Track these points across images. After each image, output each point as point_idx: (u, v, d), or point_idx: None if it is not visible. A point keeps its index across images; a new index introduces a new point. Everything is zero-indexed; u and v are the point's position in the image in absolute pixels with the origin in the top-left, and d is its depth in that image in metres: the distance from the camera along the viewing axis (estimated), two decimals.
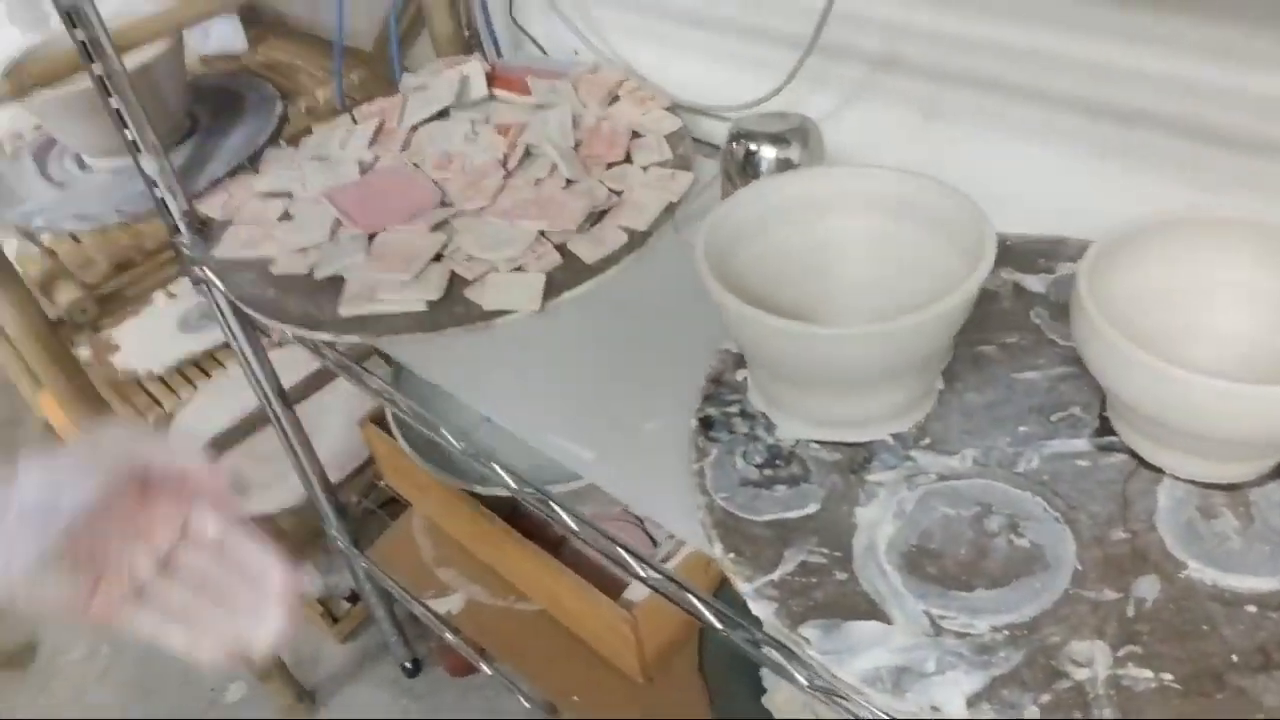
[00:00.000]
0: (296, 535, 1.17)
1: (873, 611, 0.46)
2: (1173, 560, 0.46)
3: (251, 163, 0.94)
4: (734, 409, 0.58)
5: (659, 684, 0.89)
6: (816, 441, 0.54)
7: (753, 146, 0.67)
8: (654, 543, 0.94)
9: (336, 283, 0.73)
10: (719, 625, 0.52)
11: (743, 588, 0.48)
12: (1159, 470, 0.50)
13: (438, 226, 0.75)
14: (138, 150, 0.79)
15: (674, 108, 0.87)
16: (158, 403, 1.33)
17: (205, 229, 0.84)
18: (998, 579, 0.47)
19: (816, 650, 0.45)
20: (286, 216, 0.82)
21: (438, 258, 0.73)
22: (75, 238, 0.94)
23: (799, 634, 0.46)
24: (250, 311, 0.74)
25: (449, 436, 0.65)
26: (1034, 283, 0.62)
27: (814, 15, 0.71)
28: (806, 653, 0.45)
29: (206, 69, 1.23)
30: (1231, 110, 0.60)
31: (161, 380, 1.36)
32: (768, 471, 0.54)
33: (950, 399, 0.56)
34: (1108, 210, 0.54)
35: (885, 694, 0.43)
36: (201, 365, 1.39)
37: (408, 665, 1.27)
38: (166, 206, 0.82)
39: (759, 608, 0.47)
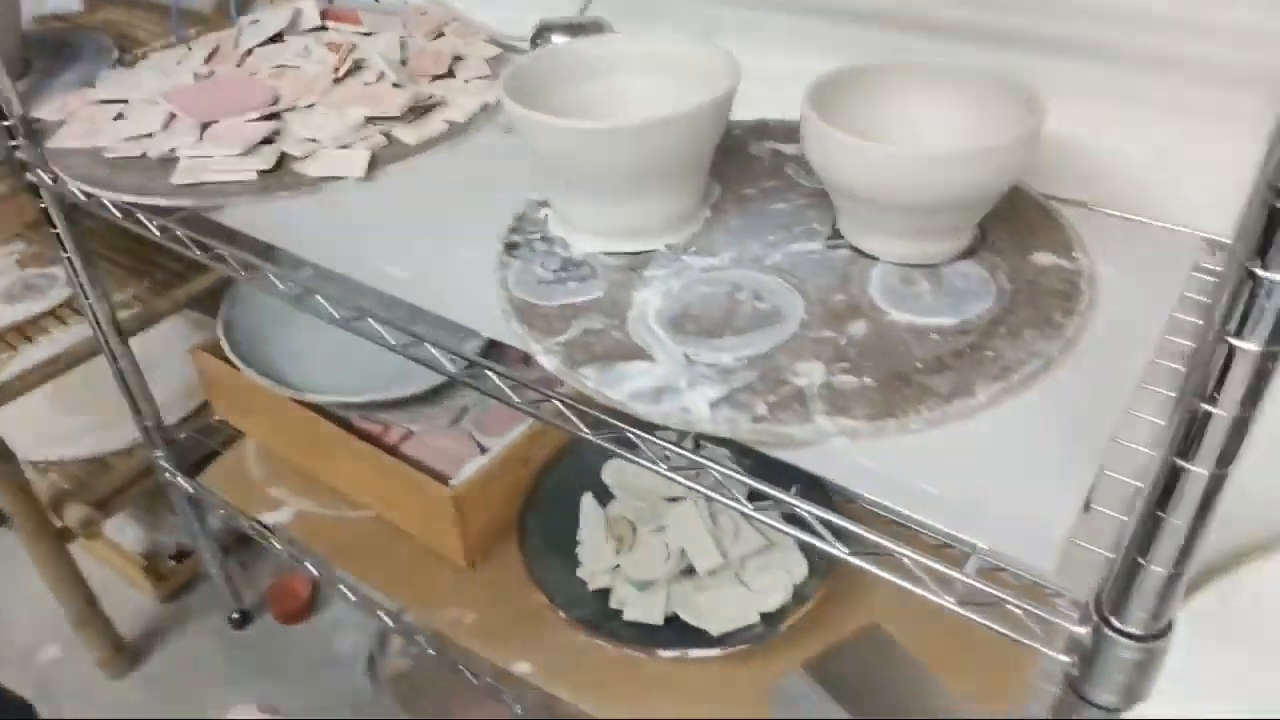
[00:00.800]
0: (125, 480, 1.16)
1: (640, 355, 0.55)
2: (878, 310, 0.57)
3: (90, 86, 0.97)
4: (535, 235, 0.66)
5: (482, 568, 0.95)
6: (605, 253, 0.64)
7: (555, 38, 0.77)
8: (481, 449, 1.01)
9: (169, 164, 0.78)
10: (584, 429, 0.57)
11: (533, 348, 0.56)
12: (873, 257, 0.62)
13: (269, 118, 0.82)
14: None
15: (494, 40, 0.97)
16: None
17: (39, 134, 0.86)
18: (742, 330, 0.57)
19: (594, 383, 0.53)
20: (120, 117, 0.86)
21: (269, 141, 0.79)
22: None
23: (579, 373, 0.54)
24: (82, 186, 0.77)
25: (281, 285, 0.70)
26: (790, 149, 0.74)
27: None
28: (584, 384, 0.53)
29: (40, 27, 1.24)
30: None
31: None
32: (561, 274, 0.62)
33: (716, 222, 0.66)
34: None
35: (646, 404, 0.52)
36: (24, 333, 1.37)
37: (235, 616, 1.27)
38: (0, 111, 0.85)
39: (548, 361, 0.55)
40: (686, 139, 0.59)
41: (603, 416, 0.55)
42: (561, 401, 0.57)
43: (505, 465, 0.94)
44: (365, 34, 0.96)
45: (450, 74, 0.90)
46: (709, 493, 0.53)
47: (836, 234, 0.64)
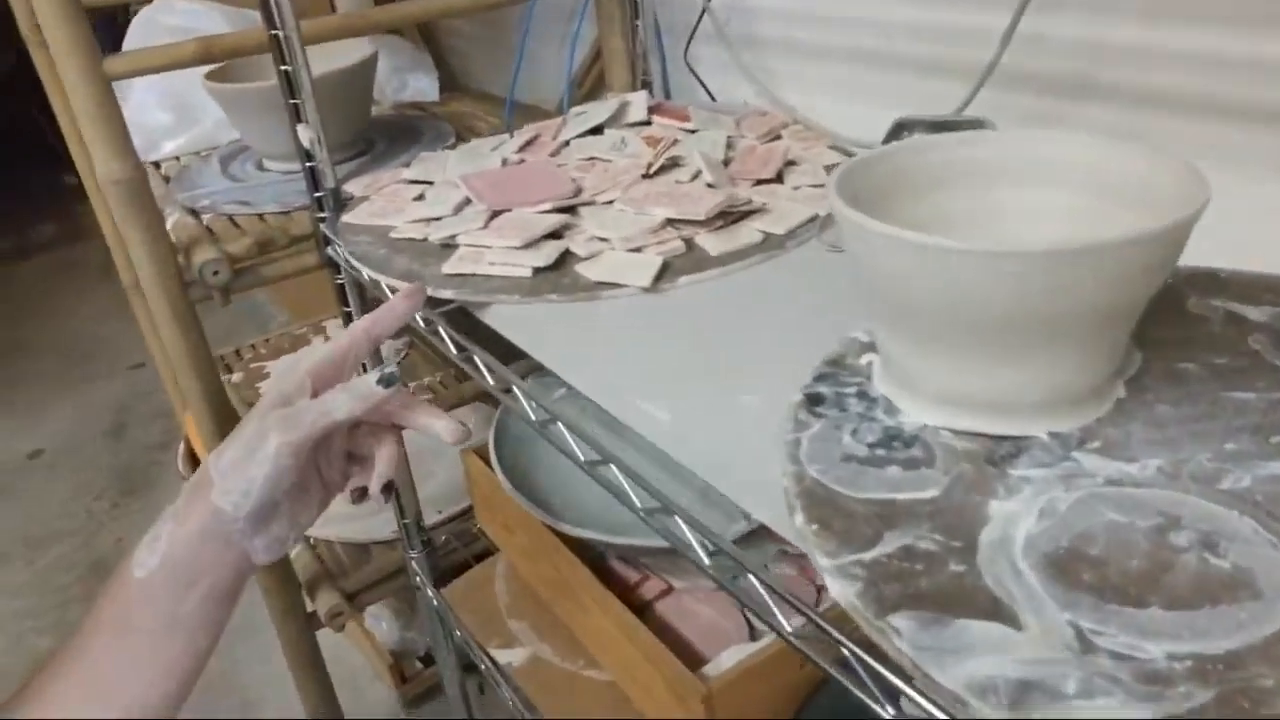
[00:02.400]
0: (381, 574, 1.10)
1: (996, 612, 0.34)
2: None
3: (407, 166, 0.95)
4: (850, 390, 0.48)
5: None
6: (950, 430, 0.43)
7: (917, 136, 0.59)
8: (750, 629, 0.82)
9: (448, 250, 0.69)
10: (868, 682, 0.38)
11: (821, 563, 0.37)
12: None
13: (563, 210, 0.71)
14: (298, 120, 0.80)
15: (839, 147, 0.81)
16: None
17: (344, 206, 0.83)
18: (1182, 600, 0.34)
19: (909, 644, 0.33)
20: (420, 198, 0.80)
21: (556, 236, 0.68)
22: (234, 221, 0.97)
23: (887, 623, 0.34)
24: (356, 264, 0.71)
25: (528, 406, 0.57)
26: (1255, 313, 0.50)
27: (995, 39, 0.65)
28: (895, 645, 0.33)
29: (395, 112, 1.28)
30: None
31: None
32: (880, 451, 0.43)
33: (1133, 409, 0.44)
34: None
35: (999, 710, 0.30)
36: None
37: None
38: (315, 181, 0.83)
39: (839, 588, 0.36)
40: (1114, 281, 0.38)
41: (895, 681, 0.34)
42: (848, 647, 0.37)
43: (777, 663, 0.74)
44: (691, 130, 0.84)
45: (779, 179, 0.75)
46: None
47: None
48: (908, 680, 0.35)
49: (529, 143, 0.87)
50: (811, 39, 0.87)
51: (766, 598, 0.41)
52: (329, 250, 0.84)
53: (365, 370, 0.54)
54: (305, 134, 0.81)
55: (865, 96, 0.83)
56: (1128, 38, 0.62)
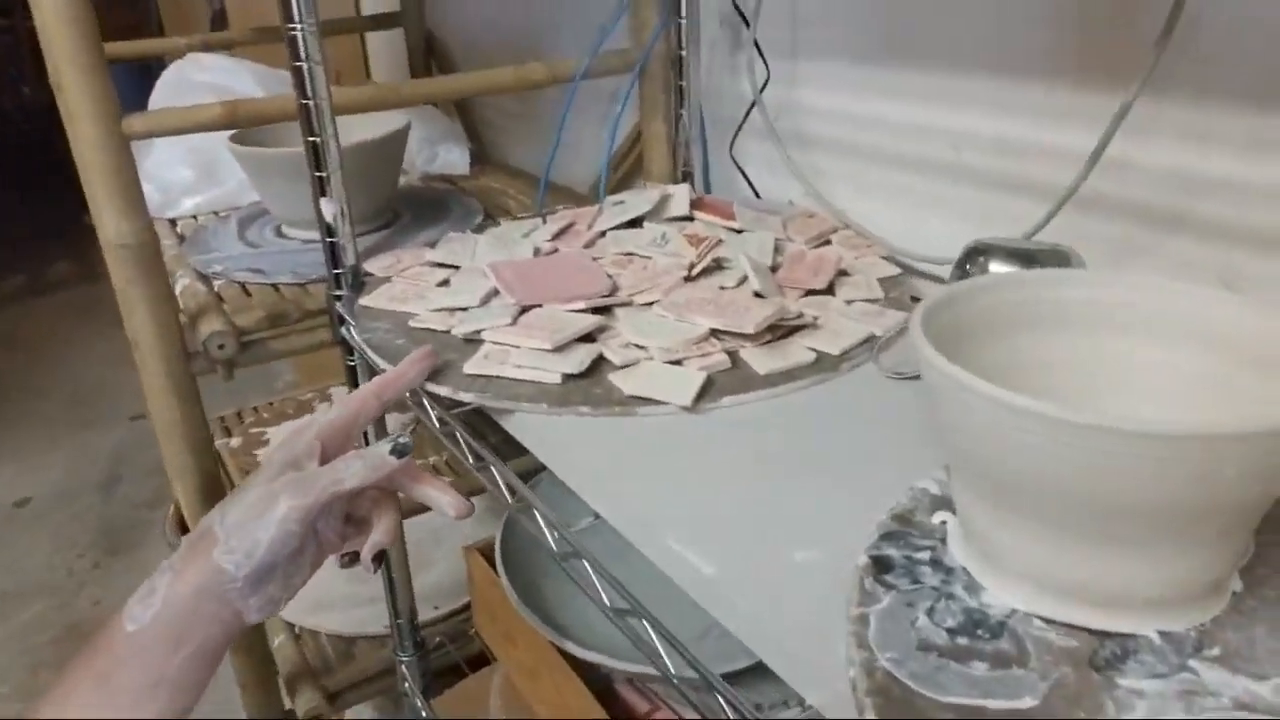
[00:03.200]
0: (366, 674, 1.03)
1: None
2: None
3: (432, 246, 0.91)
4: (923, 555, 0.42)
5: None
6: (1044, 619, 0.37)
7: (994, 265, 0.54)
8: None
9: (474, 346, 0.64)
10: None
11: None
12: None
13: (598, 310, 0.66)
14: (323, 193, 0.76)
15: (892, 258, 0.76)
16: None
17: (363, 285, 0.78)
18: None
19: None
20: (445, 284, 0.75)
21: (589, 339, 0.63)
22: (246, 290, 0.92)
23: None
24: (372, 356, 0.65)
25: (550, 534, 0.51)
26: None
27: (1079, 162, 0.60)
28: None
29: (423, 184, 1.25)
30: None
31: None
32: (962, 641, 0.37)
33: (1252, 606, 0.38)
34: None
35: None
36: None
37: None
38: (334, 257, 0.78)
39: None
40: (1255, 474, 0.32)
41: None
42: None
43: None
44: (737, 230, 0.79)
45: (830, 291, 0.70)
46: None
47: None
48: None
49: (563, 231, 0.83)
50: (867, 141, 0.83)
51: None
52: (343, 330, 0.79)
53: (366, 438, 0.55)
54: (329, 208, 0.77)
55: (921, 205, 0.79)
56: (1224, 169, 0.57)
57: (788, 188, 0.91)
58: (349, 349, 0.81)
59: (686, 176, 0.98)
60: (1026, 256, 0.54)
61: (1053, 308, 0.43)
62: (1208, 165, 0.58)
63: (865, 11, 0.80)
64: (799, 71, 0.88)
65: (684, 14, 0.89)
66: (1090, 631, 0.37)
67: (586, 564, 0.47)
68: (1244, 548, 0.39)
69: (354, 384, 0.84)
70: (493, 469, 0.55)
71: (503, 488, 0.55)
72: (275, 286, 0.92)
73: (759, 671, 0.58)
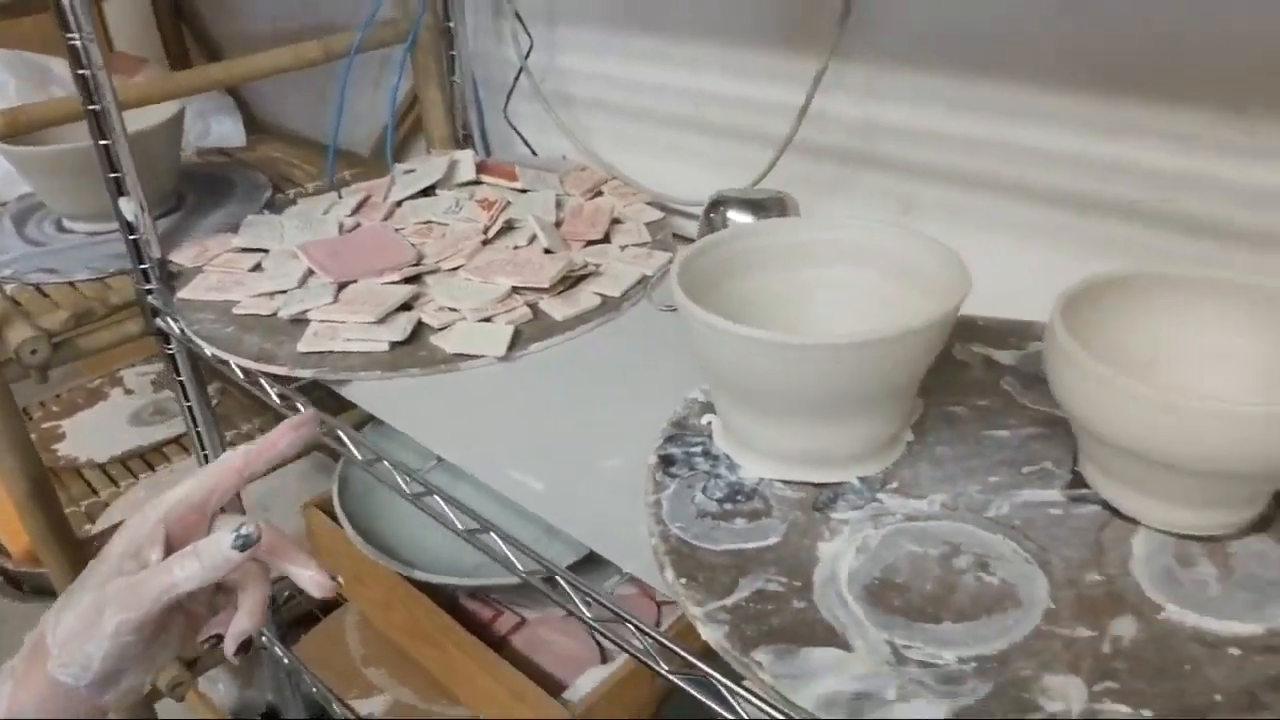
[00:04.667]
0: None
1: (831, 639, 0.42)
2: (1149, 603, 0.43)
3: (233, 230, 0.95)
4: (696, 449, 0.55)
5: None
6: (781, 481, 0.52)
7: (731, 213, 0.68)
8: (601, 651, 0.89)
9: (300, 325, 0.71)
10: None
11: (693, 612, 0.45)
12: (1134, 521, 0.48)
13: (410, 280, 0.75)
14: (120, 193, 0.79)
15: (655, 203, 0.89)
16: (94, 491, 1.28)
17: (174, 280, 0.83)
18: (966, 613, 0.43)
19: (769, 673, 0.41)
20: (258, 268, 0.81)
21: (407, 307, 0.72)
22: (42, 291, 0.93)
23: (751, 658, 0.42)
24: (204, 346, 0.72)
25: (401, 480, 0.62)
26: (1004, 357, 0.62)
27: (792, 115, 0.75)
28: (759, 675, 0.41)
29: (200, 160, 1.26)
30: (1181, 191, 0.62)
31: (102, 470, 1.31)
32: (727, 506, 0.51)
33: (919, 450, 0.54)
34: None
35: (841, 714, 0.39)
36: (148, 460, 1.35)
37: None
38: (139, 253, 0.82)
39: (709, 632, 0.43)
40: (902, 362, 0.47)
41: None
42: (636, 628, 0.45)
43: (631, 682, 0.81)
44: (521, 190, 0.90)
45: (607, 239, 0.82)
46: None
47: (1078, 479, 0.51)
48: (738, 680, 0.43)
49: (361, 204, 0.90)
50: (624, 100, 0.94)
51: (579, 604, 0.48)
52: (158, 321, 0.83)
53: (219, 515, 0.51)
54: (129, 207, 0.80)
55: (674, 155, 0.92)
56: (899, 118, 0.73)
57: (560, 145, 1.01)
58: (165, 338, 0.85)
59: (467, 139, 1.07)
60: (756, 205, 0.68)
61: (776, 250, 0.57)
62: (886, 114, 0.74)
63: None
64: (558, 38, 0.98)
65: None
66: (813, 485, 0.52)
67: (438, 498, 0.57)
68: (910, 410, 0.55)
69: (174, 370, 0.89)
70: (340, 432, 0.64)
71: (351, 446, 0.64)
72: (73, 284, 0.93)
73: (586, 564, 0.72)
